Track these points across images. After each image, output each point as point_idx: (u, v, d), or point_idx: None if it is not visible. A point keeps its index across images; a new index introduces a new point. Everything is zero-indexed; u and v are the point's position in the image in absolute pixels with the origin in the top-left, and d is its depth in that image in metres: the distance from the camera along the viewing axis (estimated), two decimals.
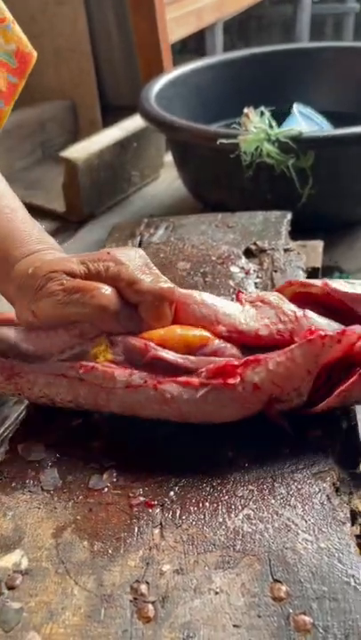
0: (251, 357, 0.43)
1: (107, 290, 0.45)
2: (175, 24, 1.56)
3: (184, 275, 0.66)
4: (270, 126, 1.01)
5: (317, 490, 0.40)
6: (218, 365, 0.43)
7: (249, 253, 0.70)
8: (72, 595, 0.35)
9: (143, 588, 0.35)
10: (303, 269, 0.66)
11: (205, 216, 0.81)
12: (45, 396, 0.47)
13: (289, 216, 0.78)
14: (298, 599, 0.33)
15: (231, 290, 0.63)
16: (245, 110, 1.08)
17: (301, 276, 0.64)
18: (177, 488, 0.41)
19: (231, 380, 0.42)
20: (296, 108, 1.25)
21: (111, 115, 1.72)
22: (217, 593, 0.34)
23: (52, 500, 0.41)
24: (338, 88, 1.41)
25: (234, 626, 0.32)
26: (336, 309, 0.48)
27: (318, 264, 0.70)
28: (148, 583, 0.35)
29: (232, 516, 0.39)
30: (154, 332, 0.46)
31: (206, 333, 0.46)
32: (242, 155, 1.00)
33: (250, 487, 0.41)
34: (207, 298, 0.48)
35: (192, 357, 0.45)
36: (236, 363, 0.43)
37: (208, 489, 0.41)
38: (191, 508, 0.39)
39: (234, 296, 0.61)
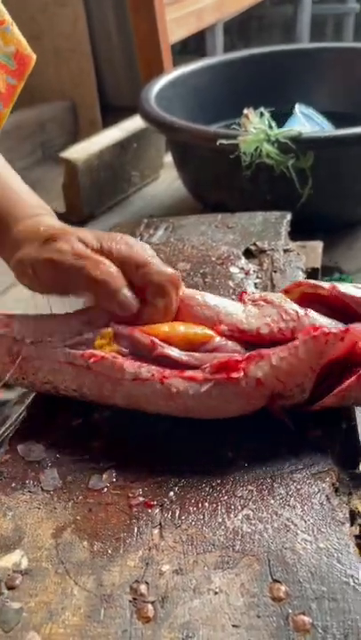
0: (254, 352, 0.44)
1: (113, 267, 0.45)
2: (175, 24, 1.56)
3: (184, 275, 0.66)
4: (270, 127, 1.01)
5: (317, 490, 0.40)
6: (221, 360, 0.43)
7: (249, 254, 0.70)
8: (72, 595, 0.35)
9: (143, 588, 0.35)
10: (303, 270, 0.66)
11: (205, 217, 0.81)
12: (49, 382, 0.47)
13: (289, 217, 0.78)
14: (297, 599, 0.33)
15: (231, 290, 0.63)
16: (245, 111, 1.08)
17: (301, 277, 0.64)
18: (176, 488, 0.41)
19: (235, 375, 0.42)
20: (298, 108, 1.25)
21: (111, 115, 1.73)
22: (216, 593, 0.34)
23: (51, 500, 0.41)
24: (338, 89, 1.41)
25: (233, 626, 0.32)
26: (343, 312, 0.48)
27: (318, 264, 0.70)
28: (147, 583, 0.35)
29: (231, 516, 0.39)
30: (157, 328, 0.46)
31: (209, 331, 0.46)
32: (241, 155, 1.00)
33: (249, 487, 0.41)
34: (210, 299, 0.48)
35: (196, 354, 0.45)
36: (239, 358, 0.43)
37: (207, 489, 0.41)
38: (190, 509, 0.40)
39: (235, 296, 0.61)
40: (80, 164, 1.21)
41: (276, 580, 0.34)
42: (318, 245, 0.74)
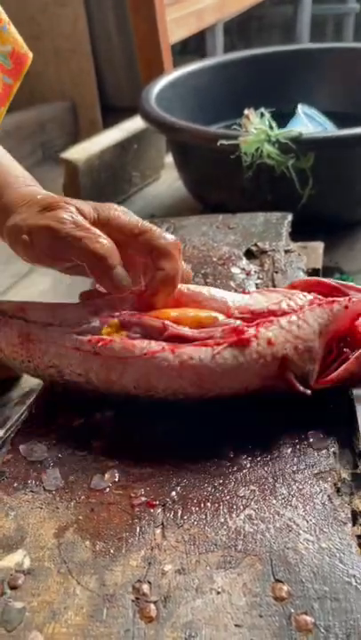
0: (263, 319, 0.45)
1: (110, 243, 0.45)
2: (175, 25, 1.56)
3: None
4: (270, 127, 1.01)
5: (319, 490, 0.40)
6: (232, 326, 0.45)
7: (250, 254, 0.70)
8: (74, 594, 0.35)
9: (145, 587, 0.35)
10: (304, 270, 0.66)
11: (206, 217, 0.81)
12: (55, 366, 0.47)
13: (290, 217, 0.78)
14: (299, 599, 0.33)
15: (232, 291, 0.63)
16: (246, 111, 1.08)
17: (302, 277, 0.65)
18: (178, 488, 0.41)
19: (246, 335, 0.44)
20: (301, 108, 1.25)
21: (111, 115, 1.73)
22: (219, 593, 0.34)
23: (54, 500, 0.41)
24: (338, 89, 1.41)
25: (235, 625, 0.32)
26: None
27: (319, 265, 0.70)
28: (149, 583, 0.35)
29: (234, 516, 0.39)
30: (166, 312, 0.47)
31: (219, 314, 0.47)
32: (242, 156, 1.00)
33: (251, 487, 0.41)
34: (216, 292, 0.50)
35: (208, 329, 0.46)
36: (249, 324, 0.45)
37: (210, 489, 0.41)
38: (193, 508, 0.40)
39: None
40: (80, 165, 1.21)
41: (278, 580, 0.34)
42: (319, 246, 0.74)
